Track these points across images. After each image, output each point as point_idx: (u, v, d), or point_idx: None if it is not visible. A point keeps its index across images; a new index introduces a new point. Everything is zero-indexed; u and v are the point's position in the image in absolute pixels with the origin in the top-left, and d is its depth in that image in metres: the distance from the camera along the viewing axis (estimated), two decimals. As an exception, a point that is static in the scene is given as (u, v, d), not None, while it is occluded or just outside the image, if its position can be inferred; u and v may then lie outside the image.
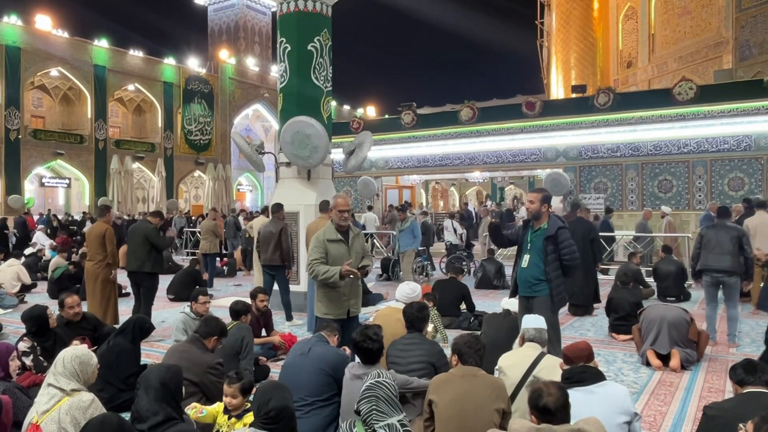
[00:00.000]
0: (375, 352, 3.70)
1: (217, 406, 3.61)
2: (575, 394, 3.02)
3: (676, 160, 15.30)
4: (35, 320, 4.84)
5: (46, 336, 4.85)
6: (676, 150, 15.25)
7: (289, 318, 7.86)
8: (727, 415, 2.91)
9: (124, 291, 9.87)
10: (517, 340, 4.18)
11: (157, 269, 7.22)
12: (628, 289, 7.43)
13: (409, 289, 5.28)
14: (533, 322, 3.96)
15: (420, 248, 13.79)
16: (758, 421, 2.33)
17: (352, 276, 4.64)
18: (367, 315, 7.68)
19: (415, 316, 4.23)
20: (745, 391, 3.11)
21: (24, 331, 4.93)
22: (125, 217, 21.30)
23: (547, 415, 2.61)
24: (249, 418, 3.31)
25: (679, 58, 24.46)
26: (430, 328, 6.08)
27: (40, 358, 4.66)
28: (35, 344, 4.73)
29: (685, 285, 9.84)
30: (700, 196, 14.94)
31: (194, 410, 3.60)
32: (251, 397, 3.40)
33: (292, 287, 8.37)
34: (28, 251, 13.72)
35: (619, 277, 7.74)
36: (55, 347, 4.65)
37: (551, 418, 2.60)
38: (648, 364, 5.70)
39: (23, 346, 4.67)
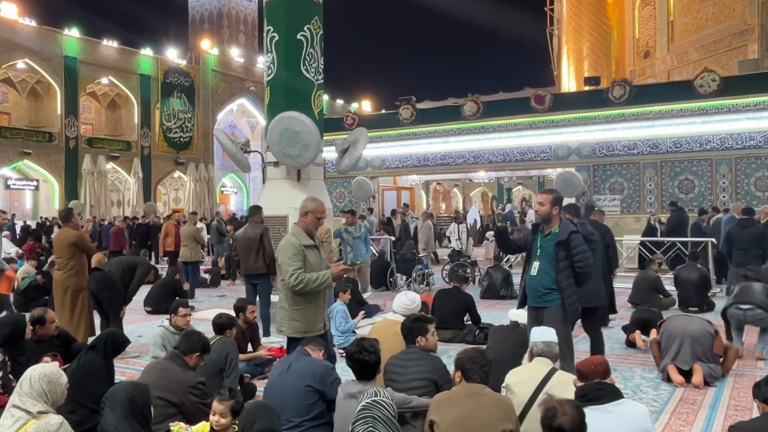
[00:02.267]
0: (372, 365, 3.69)
1: (202, 426, 3.61)
2: (590, 413, 3.02)
3: (698, 158, 15.33)
4: (12, 326, 4.81)
5: (20, 348, 4.82)
6: (698, 147, 15.28)
7: (266, 333, 7.68)
8: (755, 436, 2.91)
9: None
10: (526, 355, 4.18)
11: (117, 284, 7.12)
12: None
13: (408, 300, 5.26)
14: (542, 334, 3.96)
15: (421, 255, 13.81)
16: None
17: (345, 275, 4.63)
18: (353, 322, 7.67)
19: (409, 328, 4.22)
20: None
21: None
22: (105, 222, 21.30)
23: (561, 436, 2.61)
24: None
25: (701, 48, 24.54)
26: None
27: (10, 376, 4.61)
28: (6, 359, 4.69)
29: (709, 294, 9.86)
30: (724, 197, 14.97)
31: (179, 427, 3.58)
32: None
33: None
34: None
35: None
36: (28, 363, 4.62)
37: (565, 440, 2.60)
38: (669, 380, 5.70)
39: None
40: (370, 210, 18.23)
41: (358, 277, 10.50)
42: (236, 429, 3.39)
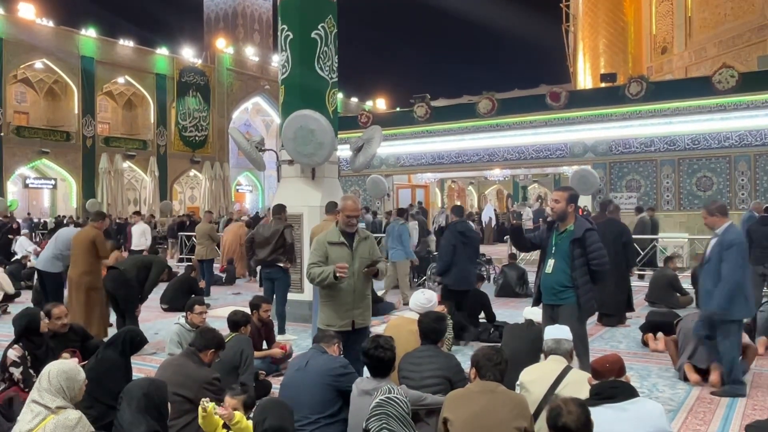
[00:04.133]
0: (387, 362, 3.70)
1: (239, 416, 3.64)
2: (605, 412, 3.02)
3: (716, 155, 15.18)
4: (28, 318, 4.89)
5: (38, 341, 4.89)
6: (717, 144, 15.13)
7: (281, 331, 7.73)
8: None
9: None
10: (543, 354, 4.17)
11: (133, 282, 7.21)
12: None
13: (424, 299, 5.25)
14: (553, 332, 3.96)
15: (433, 253, 13.78)
16: None
17: (342, 276, 4.47)
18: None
19: (431, 327, 4.20)
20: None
21: (11, 340, 4.95)
22: (118, 220, 21.52)
23: (567, 435, 2.61)
24: None
25: (719, 43, 24.26)
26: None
27: (30, 371, 4.67)
28: (26, 354, 4.75)
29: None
30: (743, 194, 14.81)
31: (211, 406, 3.56)
32: (251, 415, 3.43)
33: (296, 296, 8.38)
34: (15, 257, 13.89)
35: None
36: (47, 358, 4.68)
37: (572, 438, 2.60)
38: (685, 379, 5.66)
39: (13, 354, 4.66)
40: (366, 209, 18.05)
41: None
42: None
